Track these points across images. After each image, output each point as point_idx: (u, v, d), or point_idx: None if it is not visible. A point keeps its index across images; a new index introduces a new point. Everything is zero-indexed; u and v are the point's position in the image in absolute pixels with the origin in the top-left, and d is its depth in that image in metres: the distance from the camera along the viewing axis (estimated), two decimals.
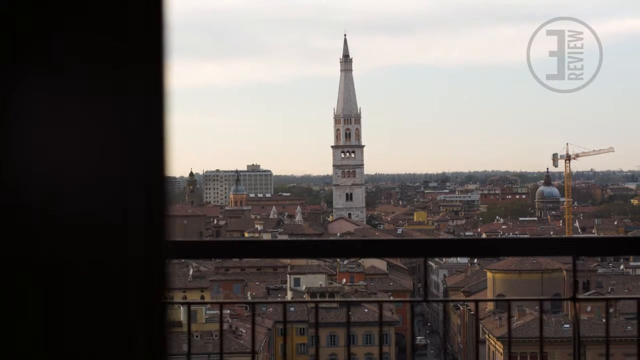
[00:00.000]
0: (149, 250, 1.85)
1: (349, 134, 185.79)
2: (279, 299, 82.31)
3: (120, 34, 1.79)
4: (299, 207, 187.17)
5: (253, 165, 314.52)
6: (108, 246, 1.76)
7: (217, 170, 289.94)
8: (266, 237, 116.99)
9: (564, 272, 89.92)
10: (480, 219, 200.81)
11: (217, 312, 68.22)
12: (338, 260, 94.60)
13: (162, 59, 1.86)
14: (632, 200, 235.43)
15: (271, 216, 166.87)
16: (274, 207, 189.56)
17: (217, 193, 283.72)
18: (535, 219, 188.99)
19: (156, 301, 1.84)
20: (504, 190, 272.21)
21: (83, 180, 1.76)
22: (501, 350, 73.49)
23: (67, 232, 1.75)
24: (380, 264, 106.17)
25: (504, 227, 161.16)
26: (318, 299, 79.97)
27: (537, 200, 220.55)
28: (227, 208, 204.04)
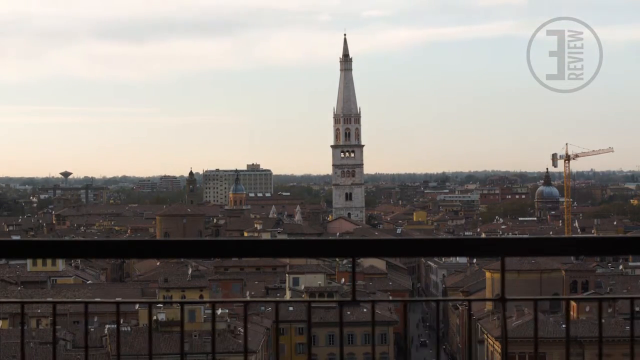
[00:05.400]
0: None
1: (349, 133, 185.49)
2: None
3: None
4: (298, 206, 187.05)
5: (253, 164, 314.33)
6: None
7: (217, 170, 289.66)
8: (265, 236, 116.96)
9: (563, 272, 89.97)
10: (480, 218, 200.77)
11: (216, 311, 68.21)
12: (337, 260, 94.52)
13: None
14: (631, 200, 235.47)
15: (270, 215, 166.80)
16: (273, 206, 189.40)
17: (217, 192, 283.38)
18: (535, 219, 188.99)
19: None
20: (504, 190, 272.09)
21: None
22: (499, 350, 73.55)
23: None
24: (379, 263, 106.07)
25: (503, 227, 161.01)
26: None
27: (536, 200, 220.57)
28: (226, 207, 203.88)
